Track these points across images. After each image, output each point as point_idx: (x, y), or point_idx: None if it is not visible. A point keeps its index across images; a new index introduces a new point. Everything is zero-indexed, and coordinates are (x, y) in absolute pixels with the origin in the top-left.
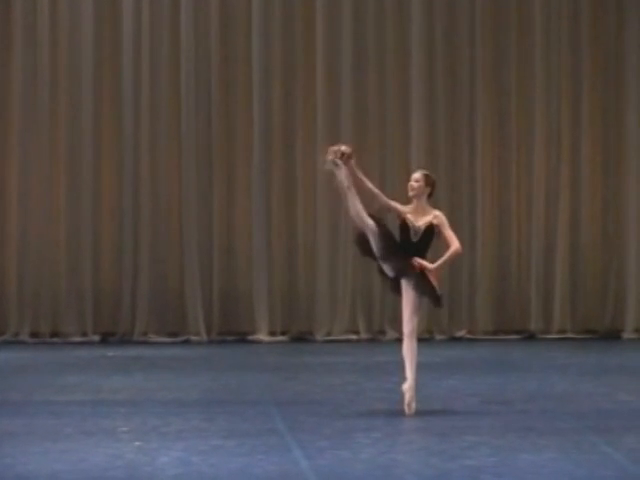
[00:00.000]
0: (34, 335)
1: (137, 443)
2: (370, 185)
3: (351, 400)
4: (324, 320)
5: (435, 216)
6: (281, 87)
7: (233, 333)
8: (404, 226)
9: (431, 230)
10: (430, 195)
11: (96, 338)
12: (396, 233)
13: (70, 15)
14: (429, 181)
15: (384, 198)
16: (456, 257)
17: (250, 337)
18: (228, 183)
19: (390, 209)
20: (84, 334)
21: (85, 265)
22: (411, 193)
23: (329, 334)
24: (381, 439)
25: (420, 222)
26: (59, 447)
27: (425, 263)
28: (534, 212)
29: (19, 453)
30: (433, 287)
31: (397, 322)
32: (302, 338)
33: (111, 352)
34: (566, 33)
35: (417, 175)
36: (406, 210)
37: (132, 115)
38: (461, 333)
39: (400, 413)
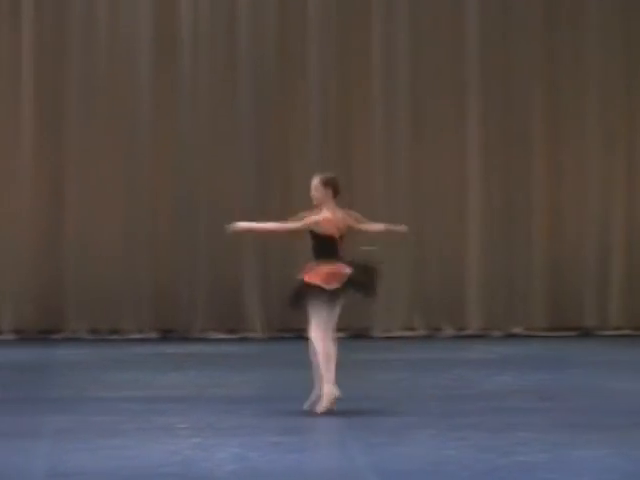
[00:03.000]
0: (93, 332)
1: (194, 439)
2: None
3: (406, 396)
4: (381, 317)
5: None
6: (338, 90)
7: (290, 330)
8: None
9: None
10: (335, 195)
11: (154, 335)
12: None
13: (127, 20)
14: (327, 182)
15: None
16: (271, 230)
17: (307, 334)
18: (285, 180)
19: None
20: (142, 331)
21: (143, 262)
22: (315, 202)
23: (386, 331)
24: (436, 435)
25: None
26: (115, 444)
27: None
28: (589, 209)
29: (76, 449)
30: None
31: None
32: (359, 335)
33: (171, 349)
34: (620, 30)
35: (314, 182)
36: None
37: (189, 115)
38: (517, 329)
39: (455, 410)
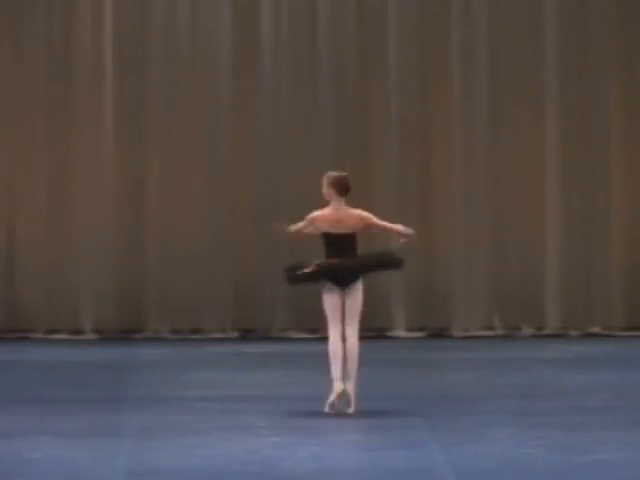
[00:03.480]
0: (174, 332)
1: (274, 438)
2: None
3: (484, 396)
4: (460, 316)
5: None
6: (417, 91)
7: (371, 329)
8: None
9: None
10: (343, 194)
11: (235, 334)
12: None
13: (208, 22)
14: (329, 180)
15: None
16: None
17: (388, 333)
18: (365, 181)
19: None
20: (223, 330)
21: (224, 262)
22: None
23: (466, 330)
24: (513, 434)
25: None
26: (195, 442)
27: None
28: None
29: (157, 448)
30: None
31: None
32: (439, 334)
33: (251, 348)
34: None
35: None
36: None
37: (269, 115)
38: (595, 329)
39: (532, 409)
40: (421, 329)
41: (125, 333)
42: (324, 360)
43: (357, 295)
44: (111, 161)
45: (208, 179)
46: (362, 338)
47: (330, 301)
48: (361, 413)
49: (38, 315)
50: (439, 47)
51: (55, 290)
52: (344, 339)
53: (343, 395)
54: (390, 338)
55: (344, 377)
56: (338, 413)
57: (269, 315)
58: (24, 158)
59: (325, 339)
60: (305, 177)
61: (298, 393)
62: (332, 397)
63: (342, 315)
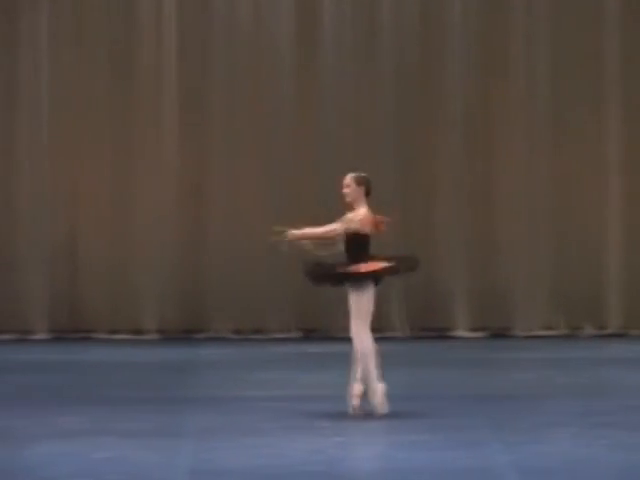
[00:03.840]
0: (236, 332)
1: (337, 438)
2: (316, 232)
3: (546, 395)
4: (523, 316)
5: (358, 214)
6: (479, 90)
7: (433, 329)
8: None
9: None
10: (367, 194)
11: (297, 334)
12: None
13: (269, 16)
14: (360, 181)
15: (327, 230)
16: (320, 236)
17: (450, 333)
18: (426, 180)
19: (337, 233)
20: (285, 330)
21: (286, 262)
22: (347, 199)
23: (528, 330)
24: (575, 434)
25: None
26: (259, 442)
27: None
28: None
29: (219, 448)
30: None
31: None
32: (501, 334)
33: (313, 348)
34: None
35: (347, 180)
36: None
37: (330, 112)
38: None
39: (594, 408)
40: (483, 329)
41: (187, 333)
42: (386, 360)
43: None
44: (173, 161)
45: (269, 179)
46: (422, 338)
47: (371, 302)
48: (422, 413)
49: (100, 315)
50: (500, 47)
51: (117, 291)
52: None
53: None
54: (452, 338)
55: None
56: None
57: (331, 315)
58: (87, 160)
59: (386, 339)
60: (367, 173)
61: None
62: (380, 397)
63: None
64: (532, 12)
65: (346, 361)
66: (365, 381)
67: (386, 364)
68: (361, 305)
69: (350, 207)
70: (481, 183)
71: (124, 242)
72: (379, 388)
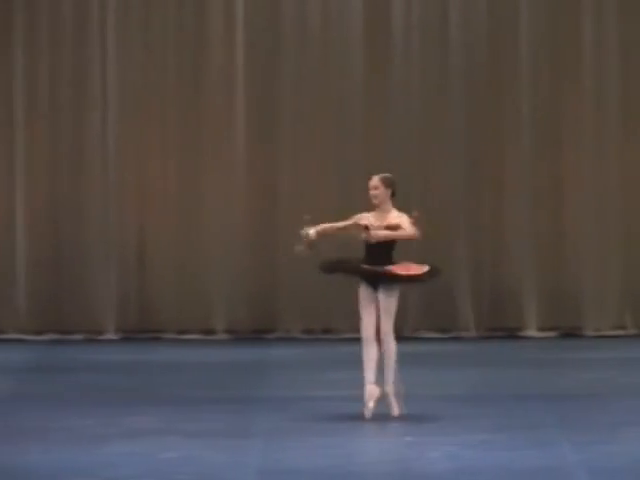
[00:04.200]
0: (306, 332)
1: (407, 438)
2: (334, 227)
3: (618, 395)
4: (592, 316)
5: (397, 216)
6: (548, 88)
7: (502, 329)
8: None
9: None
10: (393, 195)
11: None
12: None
13: (338, 16)
14: (388, 183)
15: (346, 225)
16: (404, 237)
17: (519, 333)
18: (496, 181)
19: (354, 227)
20: (355, 330)
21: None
22: (375, 201)
23: (597, 330)
24: None
25: (379, 225)
26: (328, 442)
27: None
28: None
29: (288, 448)
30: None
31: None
32: (571, 334)
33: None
34: None
35: (374, 182)
36: (369, 218)
37: (400, 112)
38: None
39: None
40: (553, 329)
41: (257, 333)
42: (457, 360)
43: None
44: (242, 161)
45: (339, 179)
46: (492, 338)
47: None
48: (493, 413)
49: (170, 315)
50: (570, 46)
51: (187, 291)
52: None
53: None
54: (522, 338)
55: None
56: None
57: (401, 315)
58: (155, 160)
59: (455, 339)
60: (437, 174)
61: (431, 392)
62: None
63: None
64: (601, 13)
65: (417, 362)
66: (394, 382)
67: (455, 364)
68: (393, 306)
69: (375, 208)
70: (550, 183)
71: (193, 241)
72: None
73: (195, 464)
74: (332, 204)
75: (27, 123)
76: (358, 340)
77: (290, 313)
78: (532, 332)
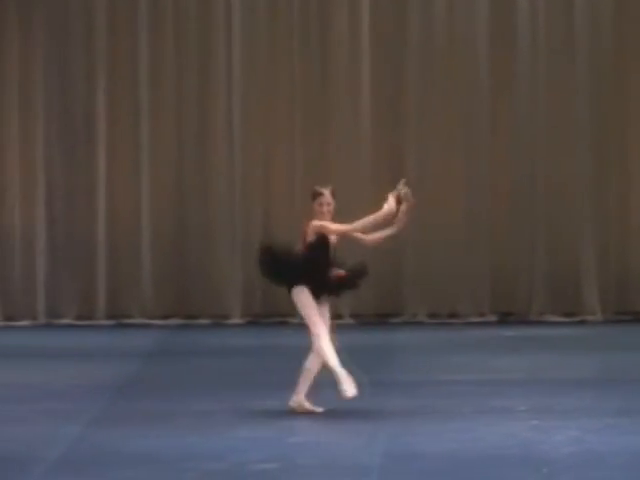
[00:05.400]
0: (432, 316)
1: (532, 422)
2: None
3: None
4: None
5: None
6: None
7: (628, 313)
8: (328, 246)
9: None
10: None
11: (493, 318)
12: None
13: (465, 13)
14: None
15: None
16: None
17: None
18: (622, 164)
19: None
20: (481, 314)
21: (482, 246)
22: (328, 216)
23: None
24: None
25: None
26: (454, 426)
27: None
28: None
29: (415, 432)
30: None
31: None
32: None
33: (509, 332)
34: None
35: (329, 196)
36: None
37: (526, 99)
38: None
39: None
40: None
41: (383, 317)
42: (582, 344)
43: None
44: (369, 146)
45: (466, 165)
46: (618, 322)
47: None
48: (616, 396)
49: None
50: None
51: None
52: None
53: None
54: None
55: None
56: None
57: (527, 299)
58: (281, 146)
59: (583, 323)
60: (562, 162)
61: (556, 376)
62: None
63: None
64: None
65: (542, 346)
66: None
67: (581, 348)
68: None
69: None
70: None
71: None
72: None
73: (321, 448)
74: (457, 188)
75: (152, 111)
76: (484, 324)
77: (416, 297)
78: None
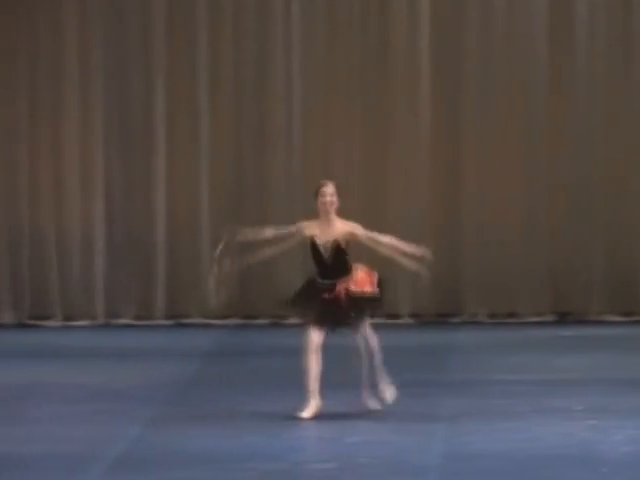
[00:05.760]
0: (491, 316)
1: (590, 421)
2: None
3: None
4: None
5: (352, 226)
6: None
7: None
8: (314, 247)
9: (340, 243)
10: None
11: (551, 318)
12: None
13: (524, 8)
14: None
15: (276, 233)
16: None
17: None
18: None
19: (285, 237)
20: (539, 314)
21: (540, 245)
22: (330, 209)
23: None
24: None
25: (330, 237)
26: (512, 426)
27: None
28: None
29: (473, 432)
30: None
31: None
32: None
33: (567, 332)
34: None
35: (331, 189)
36: (311, 228)
37: (584, 96)
38: None
39: None
40: None
41: (442, 317)
42: (637, 343)
43: None
44: (427, 145)
45: (524, 163)
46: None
47: None
48: None
49: None
50: None
51: None
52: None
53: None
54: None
55: None
56: None
57: (585, 299)
58: (339, 143)
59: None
60: (622, 161)
61: (614, 376)
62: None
63: None
64: None
65: (601, 346)
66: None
67: (638, 348)
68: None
69: (322, 216)
70: None
71: (375, 225)
72: None
73: (380, 448)
74: (516, 188)
75: (211, 110)
76: (542, 324)
77: (475, 297)
78: None
